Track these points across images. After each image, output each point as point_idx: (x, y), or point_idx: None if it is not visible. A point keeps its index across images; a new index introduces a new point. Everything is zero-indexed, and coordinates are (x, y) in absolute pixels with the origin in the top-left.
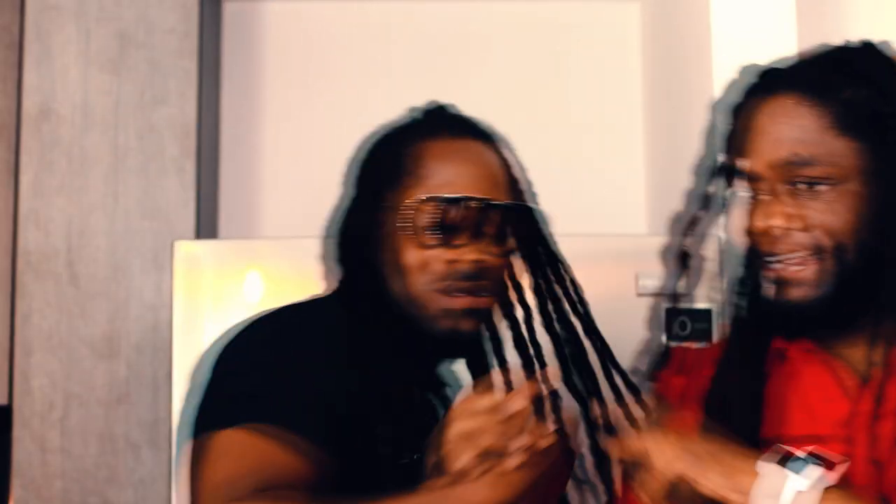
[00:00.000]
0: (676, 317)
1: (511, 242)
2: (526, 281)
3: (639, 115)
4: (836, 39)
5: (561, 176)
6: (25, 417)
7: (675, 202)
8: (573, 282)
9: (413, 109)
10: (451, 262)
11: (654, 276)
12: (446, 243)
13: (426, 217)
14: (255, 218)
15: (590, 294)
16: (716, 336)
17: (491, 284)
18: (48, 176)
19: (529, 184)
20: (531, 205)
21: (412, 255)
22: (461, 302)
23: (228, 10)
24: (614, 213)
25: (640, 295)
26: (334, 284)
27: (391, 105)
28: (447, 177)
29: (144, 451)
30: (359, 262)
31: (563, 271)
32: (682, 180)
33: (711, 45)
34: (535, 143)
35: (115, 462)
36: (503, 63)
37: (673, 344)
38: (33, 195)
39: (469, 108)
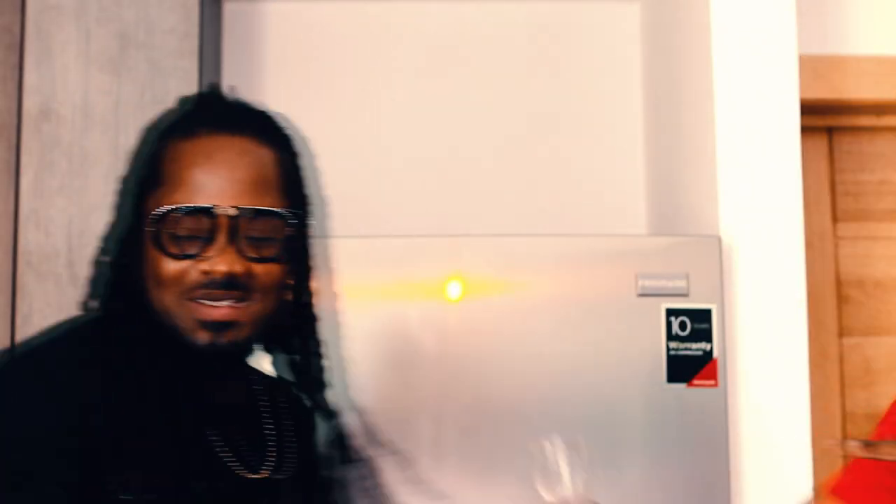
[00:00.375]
0: (676, 317)
1: (267, 249)
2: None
3: (639, 115)
4: (836, 39)
5: (561, 176)
6: None
7: (675, 202)
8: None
9: (182, 99)
10: (182, 272)
11: (654, 276)
12: (181, 254)
13: (166, 226)
14: None
15: (590, 294)
16: (716, 336)
17: (237, 294)
18: (48, 176)
19: (309, 181)
20: (273, 209)
21: (157, 266)
22: (198, 313)
23: (228, 11)
24: (614, 213)
25: (640, 295)
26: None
27: (391, 105)
28: (200, 181)
29: None
30: (118, 273)
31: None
32: (683, 180)
33: (711, 45)
34: (536, 144)
35: None
36: (503, 63)
37: None
38: (34, 195)
39: (468, 107)
